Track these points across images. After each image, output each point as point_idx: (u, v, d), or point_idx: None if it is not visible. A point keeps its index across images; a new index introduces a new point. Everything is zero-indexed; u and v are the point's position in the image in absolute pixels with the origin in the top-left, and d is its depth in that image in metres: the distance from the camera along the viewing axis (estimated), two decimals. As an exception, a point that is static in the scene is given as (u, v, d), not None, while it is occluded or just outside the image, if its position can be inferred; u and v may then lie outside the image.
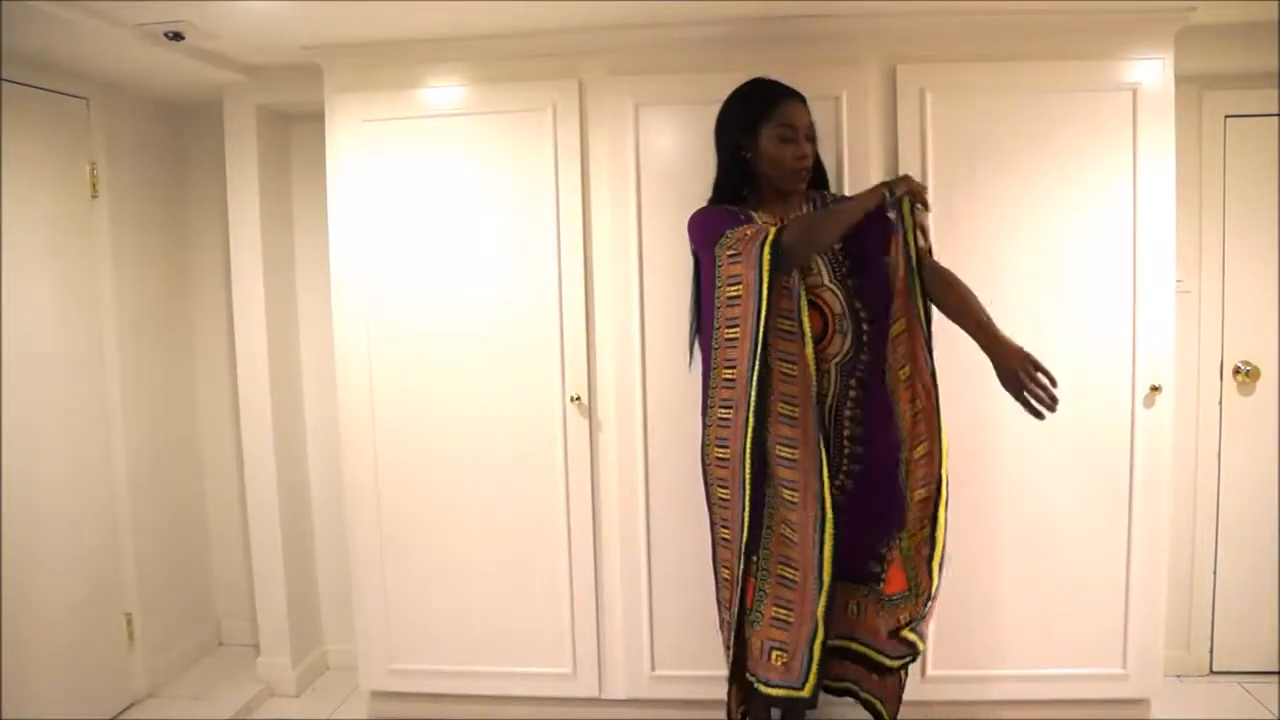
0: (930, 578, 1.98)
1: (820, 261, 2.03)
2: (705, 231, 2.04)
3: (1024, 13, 2.32)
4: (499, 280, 2.53)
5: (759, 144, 2.02)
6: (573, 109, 2.46)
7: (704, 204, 2.13)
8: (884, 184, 1.93)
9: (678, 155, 2.42)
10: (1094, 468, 2.41)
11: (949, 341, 2.39)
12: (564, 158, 2.47)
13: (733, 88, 2.09)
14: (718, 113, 2.10)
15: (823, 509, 1.92)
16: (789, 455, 1.95)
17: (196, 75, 2.62)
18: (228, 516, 3.19)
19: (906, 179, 1.95)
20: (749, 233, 1.94)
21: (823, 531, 1.92)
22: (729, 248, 1.96)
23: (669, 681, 2.54)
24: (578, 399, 2.51)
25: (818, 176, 2.14)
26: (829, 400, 2.03)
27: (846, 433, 2.04)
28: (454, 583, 2.62)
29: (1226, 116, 2.69)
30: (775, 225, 1.93)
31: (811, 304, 1.99)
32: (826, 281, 2.02)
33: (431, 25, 2.37)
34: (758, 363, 1.91)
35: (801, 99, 2.05)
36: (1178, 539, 2.68)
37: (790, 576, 1.97)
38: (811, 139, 2.05)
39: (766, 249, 1.88)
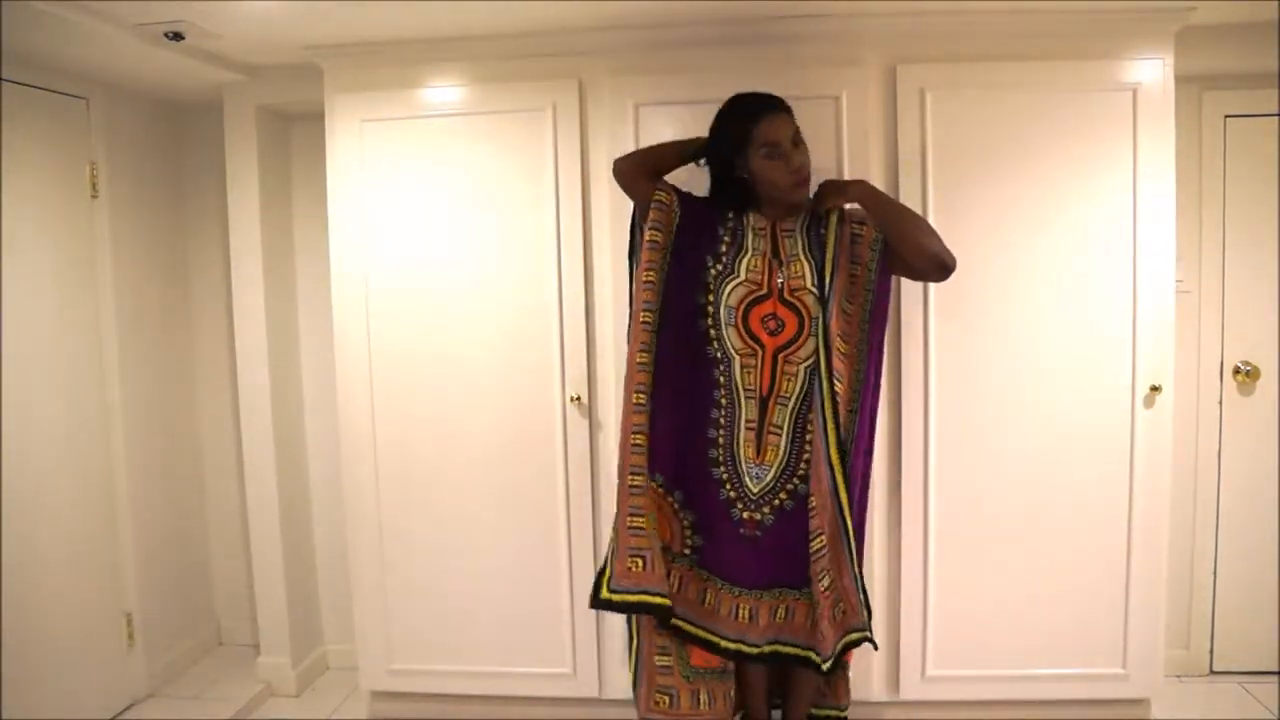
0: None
1: (805, 263, 2.02)
2: None
3: (1024, 13, 2.32)
4: (499, 280, 2.53)
5: (751, 166, 2.01)
6: (573, 109, 2.46)
7: None
8: None
9: (678, 155, 2.41)
10: (1094, 467, 2.41)
11: (947, 339, 2.41)
12: (564, 158, 2.47)
13: (732, 88, 2.07)
14: (709, 132, 2.07)
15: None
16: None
17: (196, 75, 2.62)
18: (228, 517, 3.19)
19: None
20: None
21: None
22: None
23: (669, 681, 2.54)
24: (578, 399, 2.51)
25: None
26: (794, 403, 2.03)
27: (808, 437, 2.04)
28: (454, 583, 2.62)
29: (1226, 116, 2.69)
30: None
31: (789, 305, 2.00)
32: (809, 284, 2.01)
33: (431, 25, 2.37)
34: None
35: (780, 107, 2.00)
36: (1178, 539, 2.68)
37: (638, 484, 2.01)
38: (798, 144, 2.00)
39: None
